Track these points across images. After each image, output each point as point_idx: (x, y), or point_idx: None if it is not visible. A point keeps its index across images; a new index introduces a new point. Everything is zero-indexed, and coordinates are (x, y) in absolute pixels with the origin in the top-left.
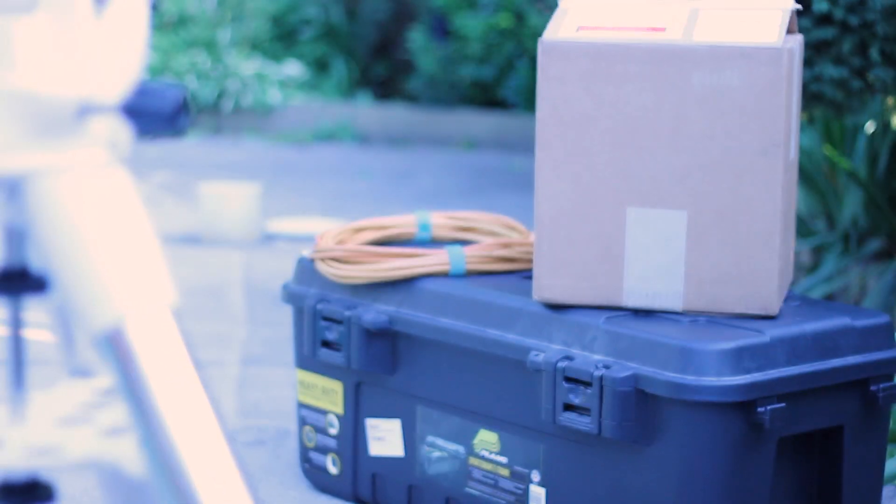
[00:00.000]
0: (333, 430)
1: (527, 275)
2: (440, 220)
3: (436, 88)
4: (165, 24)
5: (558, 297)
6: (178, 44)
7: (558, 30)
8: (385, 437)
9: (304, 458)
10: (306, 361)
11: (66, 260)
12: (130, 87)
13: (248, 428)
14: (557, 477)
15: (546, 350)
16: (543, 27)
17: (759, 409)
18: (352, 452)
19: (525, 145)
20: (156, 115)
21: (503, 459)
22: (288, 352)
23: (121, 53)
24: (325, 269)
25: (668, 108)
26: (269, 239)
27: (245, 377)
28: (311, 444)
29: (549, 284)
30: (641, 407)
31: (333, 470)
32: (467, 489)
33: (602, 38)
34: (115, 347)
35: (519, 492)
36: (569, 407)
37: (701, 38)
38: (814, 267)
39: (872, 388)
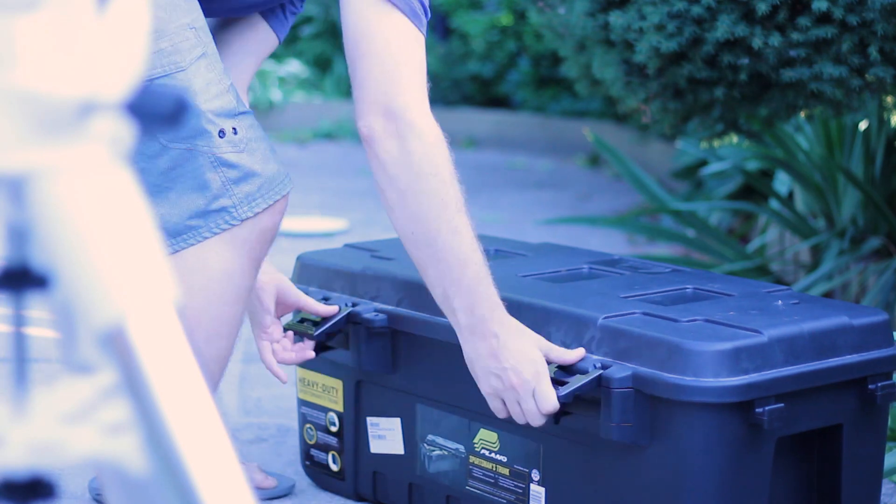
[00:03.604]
0: (334, 428)
1: (525, 273)
2: None
3: (437, 87)
4: None
5: None
6: None
7: None
8: (386, 436)
9: (305, 456)
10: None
11: (68, 257)
12: (132, 85)
13: (250, 425)
14: (557, 476)
15: None
16: (544, 25)
17: (758, 410)
18: (353, 450)
19: (526, 143)
20: (157, 114)
21: (503, 458)
22: None
23: (123, 52)
24: None
25: None
26: None
27: (246, 375)
28: (312, 442)
29: None
30: (640, 407)
31: (334, 468)
32: (467, 487)
33: None
34: (117, 344)
35: (519, 491)
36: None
37: None
38: (814, 266)
39: (871, 386)
